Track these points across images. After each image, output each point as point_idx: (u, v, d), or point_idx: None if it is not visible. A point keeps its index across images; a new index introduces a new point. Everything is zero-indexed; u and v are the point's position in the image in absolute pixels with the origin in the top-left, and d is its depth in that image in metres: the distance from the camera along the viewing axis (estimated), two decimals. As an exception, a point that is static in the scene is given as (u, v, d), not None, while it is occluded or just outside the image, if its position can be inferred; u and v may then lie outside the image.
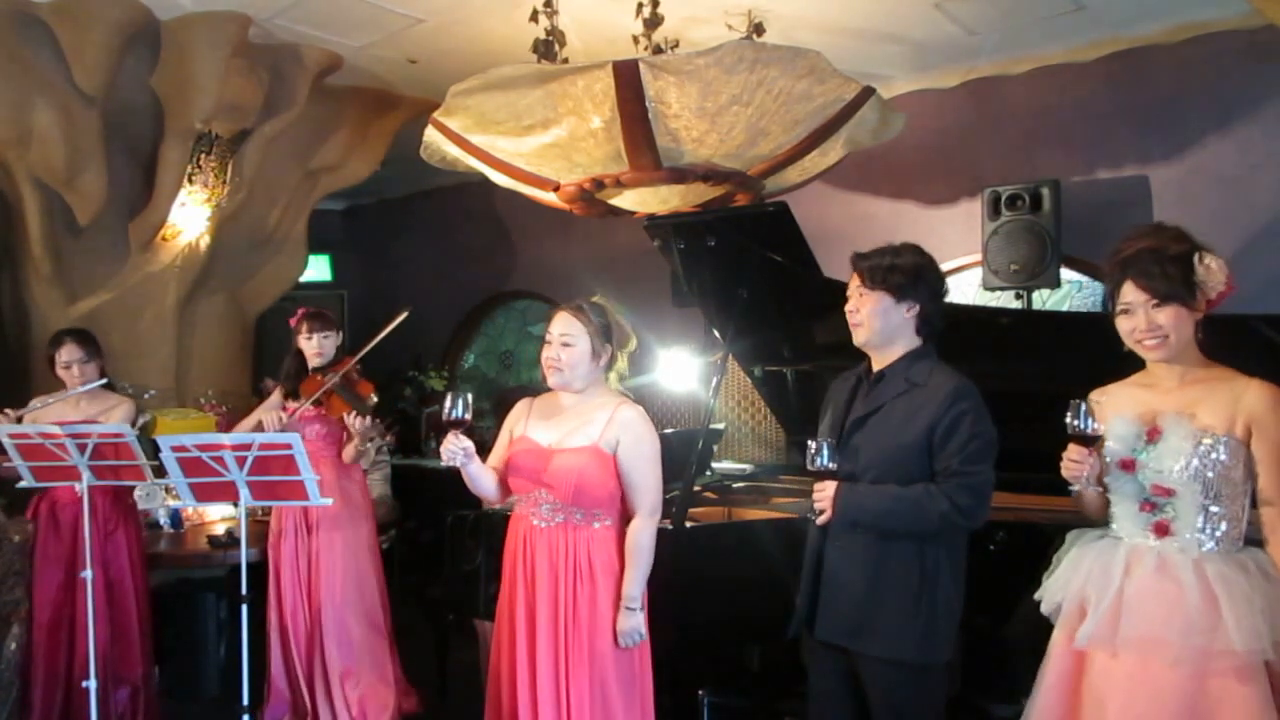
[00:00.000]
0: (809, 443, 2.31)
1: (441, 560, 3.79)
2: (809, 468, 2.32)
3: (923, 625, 2.30)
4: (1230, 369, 2.05)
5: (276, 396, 3.79)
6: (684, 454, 3.43)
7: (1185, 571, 1.96)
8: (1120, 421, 2.10)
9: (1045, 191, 4.38)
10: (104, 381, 3.74)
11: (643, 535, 2.51)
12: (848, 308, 2.44)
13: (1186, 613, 1.93)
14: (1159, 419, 2.04)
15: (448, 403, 2.39)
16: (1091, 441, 2.07)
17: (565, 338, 2.54)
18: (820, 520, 2.35)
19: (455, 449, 2.42)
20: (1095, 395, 2.17)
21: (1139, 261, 2.02)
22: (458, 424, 2.40)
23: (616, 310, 2.65)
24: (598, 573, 2.49)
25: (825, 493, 2.33)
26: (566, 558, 2.48)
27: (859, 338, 2.44)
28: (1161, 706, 1.93)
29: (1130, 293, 2.03)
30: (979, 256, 4.61)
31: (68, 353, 3.64)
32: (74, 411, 3.63)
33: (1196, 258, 2.00)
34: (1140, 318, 2.02)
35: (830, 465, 2.30)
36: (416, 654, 4.13)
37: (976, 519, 2.29)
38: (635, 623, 2.48)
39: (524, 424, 2.63)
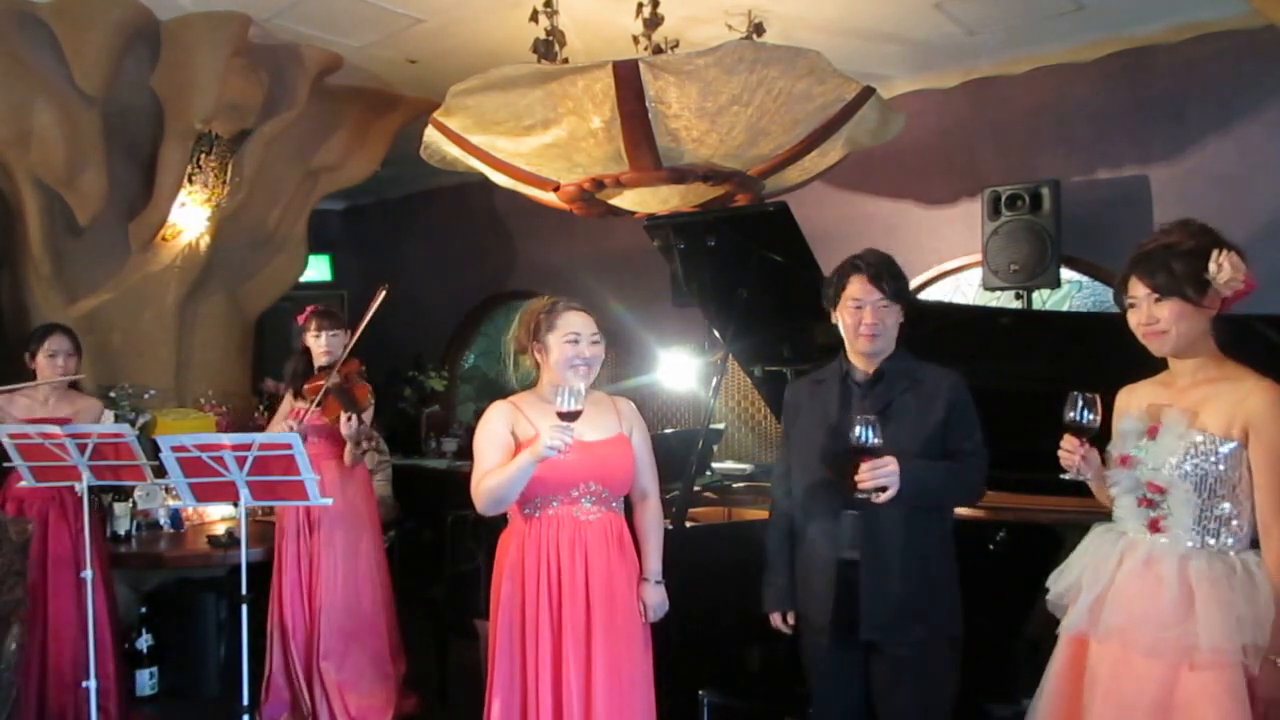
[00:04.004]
0: (855, 417, 2.28)
1: (441, 560, 3.79)
2: (853, 445, 2.26)
3: (956, 599, 2.45)
4: (1244, 369, 2.05)
5: (287, 402, 3.81)
6: (684, 454, 3.43)
7: (1168, 567, 1.99)
8: (1127, 418, 2.13)
9: (1045, 191, 4.38)
10: (80, 376, 3.79)
11: (658, 512, 2.67)
12: (868, 320, 2.45)
13: (1161, 606, 1.96)
14: (1161, 416, 2.06)
15: (571, 399, 2.30)
16: (1084, 433, 2.08)
17: (596, 336, 2.56)
18: (883, 499, 2.29)
19: (569, 440, 2.32)
20: (1124, 391, 2.22)
21: (1146, 257, 2.05)
22: (575, 416, 2.33)
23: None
24: (628, 553, 2.58)
25: (887, 468, 2.27)
26: (611, 544, 2.53)
27: (875, 346, 2.47)
28: (1142, 694, 1.96)
29: (1134, 287, 2.08)
30: (979, 256, 4.61)
31: (56, 342, 3.66)
32: (41, 408, 3.63)
33: (1214, 254, 1.98)
34: (1142, 311, 2.06)
35: (877, 441, 2.25)
36: (417, 654, 4.13)
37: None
38: (664, 595, 2.59)
39: (529, 424, 2.54)
